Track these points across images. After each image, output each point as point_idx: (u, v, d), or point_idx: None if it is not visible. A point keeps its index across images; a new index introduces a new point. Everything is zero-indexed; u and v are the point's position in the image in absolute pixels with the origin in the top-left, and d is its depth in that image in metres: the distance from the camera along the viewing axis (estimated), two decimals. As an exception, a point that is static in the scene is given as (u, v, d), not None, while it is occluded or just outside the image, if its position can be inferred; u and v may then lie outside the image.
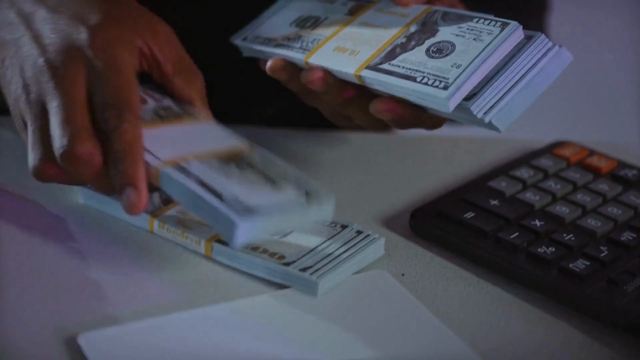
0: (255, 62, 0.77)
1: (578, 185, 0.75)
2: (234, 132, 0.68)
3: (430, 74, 0.66)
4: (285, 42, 0.74)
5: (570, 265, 0.66)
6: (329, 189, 0.63)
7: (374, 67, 0.68)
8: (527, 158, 0.79)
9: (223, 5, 0.89)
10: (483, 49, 0.66)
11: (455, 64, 0.66)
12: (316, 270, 0.64)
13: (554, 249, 0.67)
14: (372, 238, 0.68)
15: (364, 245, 0.67)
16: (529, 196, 0.73)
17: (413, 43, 0.69)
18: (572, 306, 0.64)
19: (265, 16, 0.77)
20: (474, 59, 0.66)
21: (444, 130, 0.91)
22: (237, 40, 0.77)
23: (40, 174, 0.64)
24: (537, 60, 0.67)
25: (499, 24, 0.67)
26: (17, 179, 0.73)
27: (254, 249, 0.65)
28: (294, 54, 0.72)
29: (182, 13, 0.81)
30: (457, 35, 0.68)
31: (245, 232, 0.59)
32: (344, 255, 0.66)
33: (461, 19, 0.69)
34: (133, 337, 0.59)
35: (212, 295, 0.63)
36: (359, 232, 0.68)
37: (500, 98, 0.65)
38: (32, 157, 0.64)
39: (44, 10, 0.68)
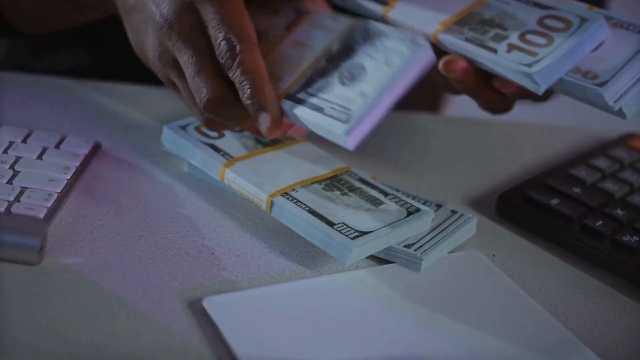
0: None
1: (653, 176, 0.79)
2: (328, 154, 0.73)
3: (337, 104, 0.63)
4: None
5: (654, 254, 0.70)
6: (428, 209, 0.69)
7: (292, 97, 0.66)
8: (603, 148, 0.83)
9: None
10: (391, 76, 0.63)
11: (361, 92, 0.63)
12: (420, 247, 0.68)
13: (638, 238, 0.71)
14: (466, 217, 0.72)
15: (459, 225, 0.71)
16: (609, 185, 0.77)
17: (331, 66, 0.66)
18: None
19: None
20: (381, 88, 0.62)
21: (525, 116, 0.94)
22: None
23: (209, 126, 0.69)
24: None
25: (408, 42, 0.64)
26: (124, 146, 0.76)
27: None
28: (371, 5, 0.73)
29: None
30: (370, 56, 0.65)
31: (357, 254, 0.66)
32: (443, 234, 0.70)
33: (378, 36, 0.65)
34: (253, 302, 0.63)
35: (319, 268, 0.67)
36: (453, 212, 0.72)
37: (631, 86, 0.67)
38: (196, 115, 0.69)
39: None
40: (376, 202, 0.69)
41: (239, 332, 0.60)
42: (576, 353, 0.62)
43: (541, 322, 0.64)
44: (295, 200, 0.68)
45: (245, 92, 0.65)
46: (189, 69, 0.66)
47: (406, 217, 0.68)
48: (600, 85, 0.66)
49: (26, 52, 0.96)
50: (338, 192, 0.69)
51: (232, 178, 0.72)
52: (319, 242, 0.68)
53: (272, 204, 0.69)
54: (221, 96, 0.66)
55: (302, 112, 0.66)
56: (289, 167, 0.71)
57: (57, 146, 0.73)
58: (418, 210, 0.69)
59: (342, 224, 0.66)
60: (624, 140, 0.84)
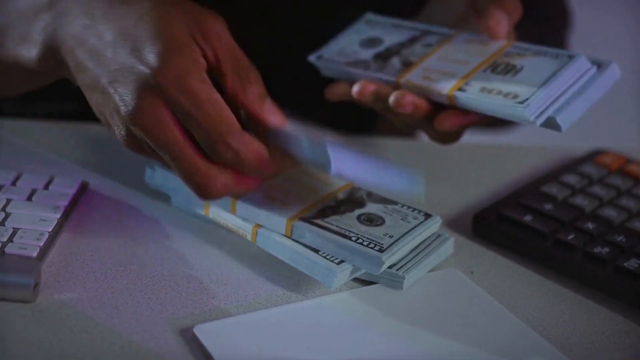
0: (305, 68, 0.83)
1: (621, 190, 0.82)
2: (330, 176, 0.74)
3: (364, 236, 0.70)
4: (370, 63, 0.80)
5: (625, 264, 0.73)
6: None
7: (307, 220, 0.71)
8: (572, 165, 0.86)
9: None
10: (410, 229, 0.72)
11: (387, 234, 0.71)
12: (401, 267, 0.71)
13: (608, 249, 0.74)
14: (444, 237, 0.75)
15: (438, 244, 0.74)
16: (579, 201, 0.80)
17: (343, 208, 0.73)
18: (628, 301, 0.71)
19: (341, 37, 0.84)
20: (403, 234, 0.71)
21: (493, 139, 0.98)
22: (313, 58, 0.83)
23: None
24: (579, 77, 0.74)
25: (422, 214, 0.74)
26: (110, 184, 0.79)
27: None
28: (384, 76, 0.79)
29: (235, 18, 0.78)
30: (384, 212, 0.73)
31: (387, 263, 0.69)
32: (423, 253, 0.73)
33: (385, 201, 0.74)
34: (242, 328, 0.65)
35: (305, 292, 0.70)
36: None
37: (551, 103, 0.73)
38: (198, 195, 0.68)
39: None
40: (391, 214, 0.73)
41: (230, 357, 0.63)
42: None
43: (522, 335, 0.67)
44: (316, 225, 0.71)
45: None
46: (175, 166, 0.66)
47: (422, 222, 0.72)
48: (521, 102, 0.72)
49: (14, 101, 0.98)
50: (356, 208, 0.73)
51: (217, 212, 0.74)
52: (304, 268, 0.70)
53: (257, 234, 0.72)
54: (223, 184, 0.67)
55: (325, 234, 0.70)
56: (298, 192, 0.74)
57: (46, 187, 0.76)
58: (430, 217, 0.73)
59: (368, 238, 0.70)
60: (592, 157, 0.87)
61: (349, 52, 0.82)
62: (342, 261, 0.69)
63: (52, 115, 0.96)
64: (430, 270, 0.73)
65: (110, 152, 0.83)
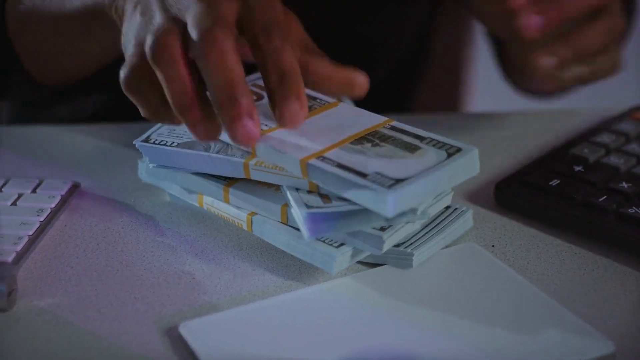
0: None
1: (661, 146, 0.75)
2: (365, 111, 0.68)
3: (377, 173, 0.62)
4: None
5: (663, 223, 0.65)
6: (470, 142, 0.63)
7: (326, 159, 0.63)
8: (607, 124, 0.78)
9: None
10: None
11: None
12: (410, 245, 0.64)
13: (644, 209, 0.67)
14: (460, 211, 0.68)
15: (453, 219, 0.67)
16: (613, 160, 0.73)
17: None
18: (668, 263, 0.64)
19: None
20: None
21: (522, 105, 0.91)
22: (138, 142, 0.70)
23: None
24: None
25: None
26: (103, 183, 0.74)
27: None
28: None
29: None
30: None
31: (396, 201, 0.60)
32: (436, 229, 0.66)
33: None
34: (232, 324, 0.59)
35: (306, 280, 0.64)
36: (447, 207, 0.68)
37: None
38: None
39: None
40: (414, 150, 0.63)
41: (217, 354, 0.57)
42: (590, 340, 0.57)
43: (545, 308, 0.60)
44: (327, 160, 0.62)
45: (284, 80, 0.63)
46: (167, 91, 0.62)
47: (447, 158, 0.63)
48: (388, 187, 0.60)
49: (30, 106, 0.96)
50: (371, 146, 0.64)
51: (210, 202, 0.69)
52: (302, 255, 0.64)
53: (252, 222, 0.66)
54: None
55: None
56: (323, 130, 0.66)
57: (34, 190, 0.71)
58: (459, 150, 0.63)
59: (376, 174, 0.60)
60: (629, 113, 0.80)
61: (181, 132, 0.70)
62: (342, 244, 0.63)
63: (62, 119, 0.94)
64: (447, 246, 0.66)
65: (104, 152, 0.79)
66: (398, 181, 0.60)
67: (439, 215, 0.67)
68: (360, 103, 0.94)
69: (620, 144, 0.75)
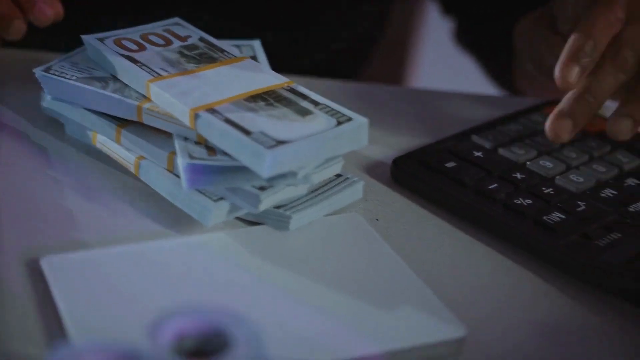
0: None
1: (565, 142, 0.74)
2: (269, 70, 0.68)
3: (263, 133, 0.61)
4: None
5: (545, 217, 0.65)
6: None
7: (215, 112, 0.62)
8: (518, 114, 0.78)
9: None
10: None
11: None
12: (291, 208, 0.64)
13: (531, 202, 0.67)
14: (351, 181, 0.68)
15: (342, 188, 0.67)
16: (514, 150, 0.73)
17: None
18: (542, 257, 0.64)
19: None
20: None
21: (442, 86, 0.91)
22: (39, 71, 0.69)
23: None
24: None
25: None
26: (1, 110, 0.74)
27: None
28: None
29: None
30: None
31: (274, 162, 0.59)
32: (321, 196, 0.66)
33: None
34: (94, 264, 0.59)
35: (184, 230, 0.63)
36: (338, 175, 0.68)
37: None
38: None
39: None
40: (305, 114, 0.63)
41: (70, 292, 0.57)
42: (444, 323, 0.57)
43: (411, 288, 0.60)
44: (216, 114, 0.62)
45: None
46: None
47: (336, 126, 0.62)
48: (268, 147, 0.60)
49: None
50: (264, 105, 0.64)
51: (103, 141, 0.68)
52: (181, 204, 0.64)
53: (139, 166, 0.66)
54: None
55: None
56: (219, 83, 0.66)
57: None
58: (350, 119, 0.63)
59: (260, 133, 0.60)
60: (543, 107, 0.80)
61: (84, 67, 0.70)
62: (221, 199, 0.63)
63: None
64: (331, 214, 0.66)
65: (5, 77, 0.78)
66: (280, 143, 0.60)
67: (328, 183, 0.67)
68: (314, 72, 0.95)
69: (525, 135, 0.75)
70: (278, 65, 0.73)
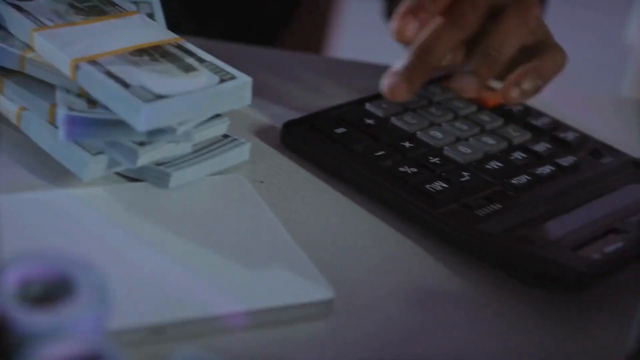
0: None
1: (459, 114, 0.74)
2: (159, 26, 0.67)
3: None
4: None
5: (427, 186, 0.65)
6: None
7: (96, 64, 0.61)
8: (416, 85, 0.78)
9: None
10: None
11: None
12: (173, 166, 0.64)
13: (416, 170, 0.67)
14: (238, 142, 0.67)
15: (228, 148, 0.66)
16: (407, 119, 0.72)
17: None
18: (422, 224, 0.64)
19: None
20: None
21: (363, 57, 0.90)
22: None
23: None
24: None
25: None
26: None
27: None
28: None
29: None
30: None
31: (150, 116, 0.59)
32: (205, 155, 0.65)
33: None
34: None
35: (63, 184, 0.63)
36: (226, 136, 0.67)
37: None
38: None
39: None
40: (188, 70, 0.63)
41: None
42: (313, 285, 0.57)
43: (285, 251, 0.59)
44: (97, 66, 0.61)
45: None
46: None
47: (217, 84, 0.62)
48: (145, 101, 0.59)
49: None
50: (148, 59, 0.63)
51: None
52: (59, 156, 0.63)
53: (21, 117, 0.65)
54: None
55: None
56: (105, 35, 0.65)
57: None
58: (233, 77, 0.62)
59: (139, 86, 0.60)
60: (442, 79, 0.80)
61: None
62: (100, 152, 0.62)
63: None
64: (214, 174, 0.66)
65: None
66: (159, 97, 0.59)
67: (214, 143, 0.67)
68: (228, 37, 0.94)
69: (420, 106, 0.75)
70: (189, 28, 0.73)
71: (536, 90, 0.70)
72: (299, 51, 1.11)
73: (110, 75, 0.60)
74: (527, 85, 0.69)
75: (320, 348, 0.55)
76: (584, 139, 0.74)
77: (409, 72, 0.68)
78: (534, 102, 0.78)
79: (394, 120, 0.72)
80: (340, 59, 0.89)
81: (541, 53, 0.71)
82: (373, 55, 0.99)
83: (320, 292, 0.56)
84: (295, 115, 0.74)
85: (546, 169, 0.69)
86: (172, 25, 0.71)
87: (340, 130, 0.70)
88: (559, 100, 0.82)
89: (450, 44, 0.69)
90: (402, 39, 0.69)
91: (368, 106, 0.74)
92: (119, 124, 0.61)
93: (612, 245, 0.61)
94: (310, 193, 0.67)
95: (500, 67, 0.69)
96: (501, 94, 0.70)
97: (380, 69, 0.84)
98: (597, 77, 2.01)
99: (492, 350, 0.57)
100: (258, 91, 0.76)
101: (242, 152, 0.67)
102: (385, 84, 0.68)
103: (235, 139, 0.67)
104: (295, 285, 0.56)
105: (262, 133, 0.72)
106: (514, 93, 0.69)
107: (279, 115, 0.74)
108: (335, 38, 1.29)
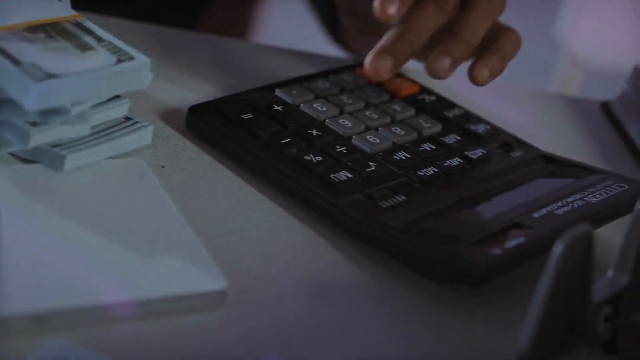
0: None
1: (371, 103, 0.73)
2: (59, 3, 0.65)
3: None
4: None
5: (331, 175, 0.64)
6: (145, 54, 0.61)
7: None
8: (329, 72, 0.77)
9: None
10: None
11: None
12: (68, 147, 0.62)
13: (321, 159, 0.65)
14: (139, 125, 0.65)
15: (128, 131, 0.65)
16: (317, 107, 0.71)
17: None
18: (324, 214, 0.63)
19: None
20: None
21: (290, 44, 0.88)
22: None
23: None
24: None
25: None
26: None
27: None
28: None
29: None
30: None
31: (40, 95, 0.57)
32: (103, 138, 0.63)
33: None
34: None
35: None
36: (127, 119, 0.66)
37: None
38: None
39: None
40: (85, 50, 0.61)
41: None
42: (206, 274, 0.55)
43: (181, 239, 0.58)
44: None
45: None
46: None
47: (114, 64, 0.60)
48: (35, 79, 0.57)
49: None
50: (44, 37, 0.61)
51: None
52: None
53: None
54: None
55: None
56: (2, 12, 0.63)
57: None
58: (132, 58, 0.61)
59: (31, 64, 0.58)
60: (357, 67, 0.78)
61: None
62: (46, 76, 0.59)
63: None
64: (114, 158, 0.64)
65: None
66: (51, 76, 0.57)
67: (115, 126, 0.65)
68: (144, 18, 0.92)
69: (332, 93, 0.73)
70: (113, 8, 0.71)
71: (502, 69, 0.72)
72: (220, 35, 1.10)
73: (1, 51, 0.58)
74: (495, 65, 0.71)
75: (212, 339, 0.54)
76: (495, 132, 0.73)
77: (393, 49, 0.69)
78: (449, 94, 0.77)
79: (303, 107, 0.71)
80: (259, 44, 0.87)
81: (499, 35, 0.73)
82: (300, 43, 0.98)
83: (212, 282, 0.55)
84: (204, 99, 0.72)
85: (454, 161, 0.68)
86: (97, 4, 0.69)
87: (246, 116, 0.68)
88: (478, 92, 0.81)
89: (434, 27, 0.70)
90: (385, 17, 0.69)
91: (278, 92, 0.72)
92: (11, 103, 0.59)
93: (514, 241, 0.60)
94: (212, 180, 0.65)
95: (472, 48, 0.71)
96: (470, 75, 0.71)
97: (300, 56, 0.83)
98: (526, 72, 2.02)
99: (391, 343, 0.56)
100: (168, 74, 0.75)
101: (143, 136, 0.65)
102: (368, 60, 0.70)
103: (137, 122, 0.65)
104: (187, 275, 0.55)
105: (168, 117, 0.70)
106: (485, 73, 0.70)
107: (187, 99, 0.72)
108: (261, 24, 1.27)
